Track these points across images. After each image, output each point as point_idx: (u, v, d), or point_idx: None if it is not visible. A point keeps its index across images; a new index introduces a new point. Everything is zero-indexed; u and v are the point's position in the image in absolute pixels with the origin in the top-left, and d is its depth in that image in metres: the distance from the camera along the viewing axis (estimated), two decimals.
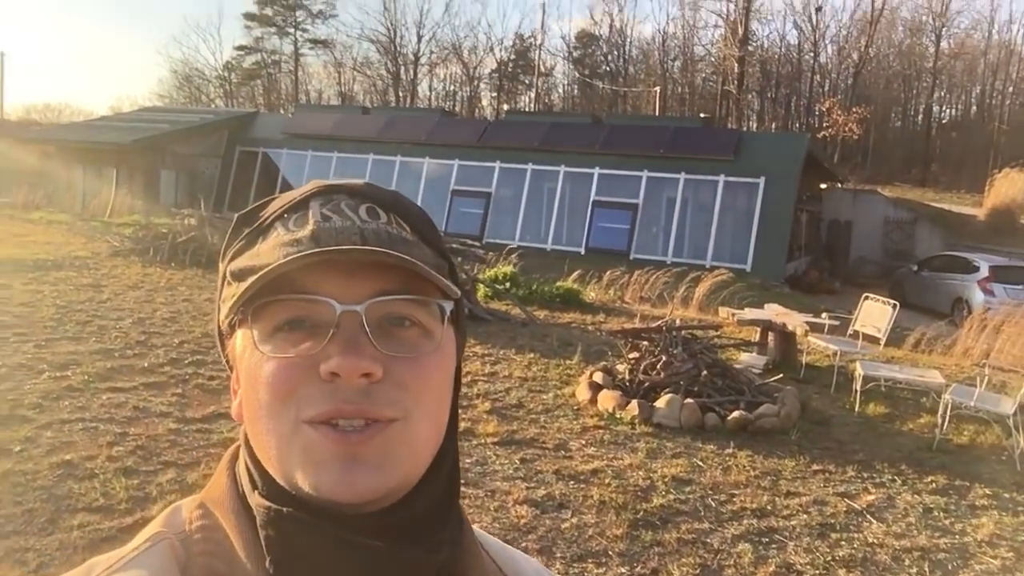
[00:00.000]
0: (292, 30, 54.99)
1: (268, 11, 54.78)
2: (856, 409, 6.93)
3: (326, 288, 0.61)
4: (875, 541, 4.32)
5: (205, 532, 0.63)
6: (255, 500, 0.63)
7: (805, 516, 4.57)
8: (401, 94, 51.76)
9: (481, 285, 10.69)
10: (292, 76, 55.92)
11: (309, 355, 0.60)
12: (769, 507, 4.66)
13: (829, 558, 4.07)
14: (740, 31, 41.69)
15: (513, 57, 53.72)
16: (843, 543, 4.26)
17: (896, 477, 5.34)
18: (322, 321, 0.60)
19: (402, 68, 52.54)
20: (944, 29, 44.85)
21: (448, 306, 0.65)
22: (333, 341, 0.60)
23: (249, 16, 54.92)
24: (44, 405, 5.34)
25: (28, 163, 27.95)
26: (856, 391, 7.07)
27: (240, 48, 56.17)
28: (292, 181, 23.16)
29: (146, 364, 6.45)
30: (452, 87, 55.90)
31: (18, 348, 6.62)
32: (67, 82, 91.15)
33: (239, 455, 0.68)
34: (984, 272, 15.77)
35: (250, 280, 0.60)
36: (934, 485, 5.24)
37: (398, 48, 52.17)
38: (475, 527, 0.76)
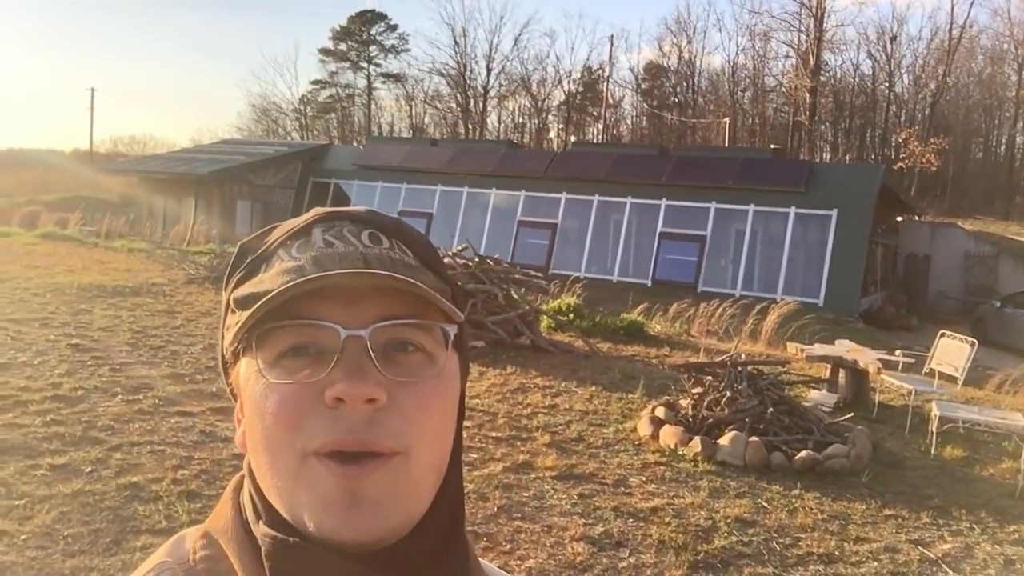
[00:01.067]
0: (366, 65, 56.48)
1: (343, 46, 56.44)
2: (932, 452, 6.64)
3: (330, 313, 0.61)
4: None
5: (209, 562, 0.64)
6: (260, 530, 0.62)
7: (875, 564, 4.37)
8: (470, 126, 52.48)
9: (544, 316, 10.66)
10: (365, 109, 57.32)
11: (314, 381, 0.60)
12: (837, 553, 4.48)
13: None
14: (812, 61, 41.09)
15: (581, 89, 54.00)
16: None
17: (975, 525, 5.07)
18: (326, 347, 0.60)
19: (471, 101, 53.34)
20: None
21: (451, 331, 0.65)
22: (338, 366, 0.59)
23: (324, 51, 56.70)
24: (115, 427, 5.50)
25: (113, 193, 29.27)
26: (932, 433, 6.77)
27: (315, 82, 57.96)
28: None
29: (214, 389, 6.59)
30: (521, 119, 56.49)
31: (95, 371, 6.85)
32: (152, 115, 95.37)
33: (243, 484, 0.68)
34: None
35: (254, 307, 0.61)
36: (1016, 535, 4.95)
37: (468, 81, 53.04)
38: (493, 562, 0.75)
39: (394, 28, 56.30)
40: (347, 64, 56.88)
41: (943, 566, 4.42)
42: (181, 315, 9.99)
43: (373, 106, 57.32)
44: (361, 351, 0.60)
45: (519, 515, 4.64)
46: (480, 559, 0.74)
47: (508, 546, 4.22)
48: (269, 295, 0.60)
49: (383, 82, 57.08)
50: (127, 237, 19.30)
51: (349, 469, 0.58)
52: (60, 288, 11.01)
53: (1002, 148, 46.87)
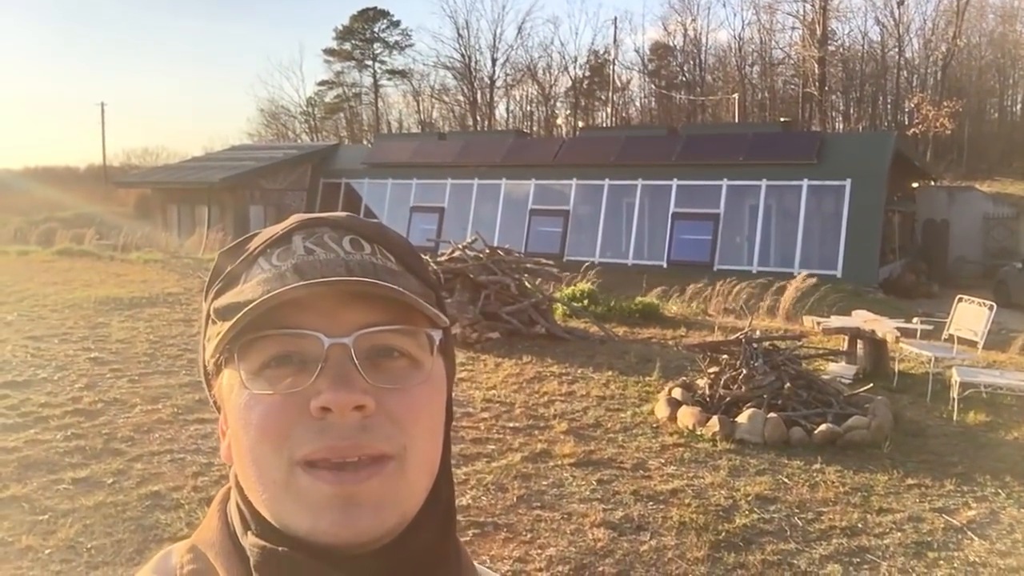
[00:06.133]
0: (371, 63, 56.43)
1: (347, 46, 56.41)
2: (954, 418, 6.57)
3: (313, 322, 0.60)
4: (977, 560, 4.06)
5: None
6: (248, 540, 0.62)
7: (899, 534, 4.34)
8: (479, 118, 52.37)
9: (558, 304, 10.64)
10: (373, 107, 57.32)
11: (298, 391, 0.59)
12: (860, 525, 4.44)
13: None
14: (819, 31, 40.63)
15: (588, 74, 53.70)
16: (941, 562, 4.02)
17: (1000, 490, 5.01)
18: (310, 356, 0.59)
19: (478, 92, 53.19)
20: None
21: (437, 335, 0.64)
22: (322, 375, 0.58)
23: (329, 51, 56.69)
24: (136, 438, 5.55)
25: (128, 206, 29.50)
26: (953, 399, 6.70)
27: (322, 83, 57.98)
28: (375, 209, 23.69)
29: None
30: (529, 108, 56.27)
31: (113, 384, 6.92)
32: (164, 126, 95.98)
33: (230, 496, 0.67)
34: None
35: (235, 317, 0.60)
36: None
37: (474, 73, 52.87)
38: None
39: (397, 24, 56.22)
40: (352, 63, 56.86)
41: (968, 533, 4.37)
42: (197, 323, 9.92)
43: (380, 103, 57.32)
44: (345, 359, 0.59)
45: (538, 504, 4.64)
46: (476, 564, 0.73)
47: (528, 535, 4.21)
48: (250, 305, 0.59)
49: (389, 79, 57.04)
50: (143, 249, 19.45)
51: (343, 475, 0.58)
52: (78, 303, 11.12)
53: (1017, 107, 46.17)
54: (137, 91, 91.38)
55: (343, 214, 0.69)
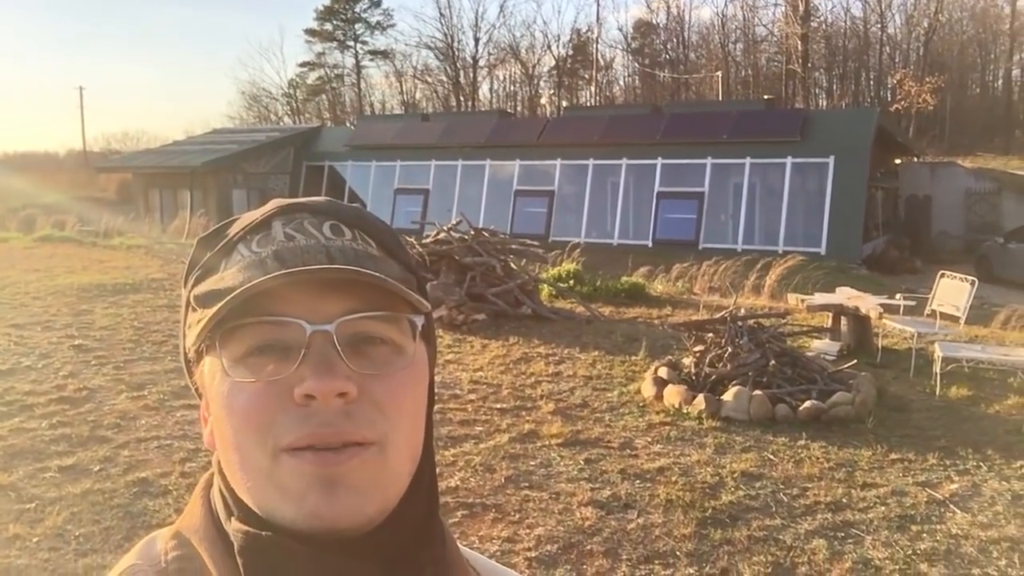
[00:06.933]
0: (352, 43, 55.92)
1: (328, 26, 55.85)
2: (937, 393, 6.64)
3: (294, 309, 0.59)
4: (959, 532, 4.11)
5: (181, 563, 0.62)
6: (232, 526, 0.62)
7: (883, 508, 4.39)
8: (462, 98, 52.09)
9: (544, 284, 10.64)
10: (355, 88, 56.87)
11: (281, 379, 0.59)
12: (844, 500, 4.49)
13: (910, 551, 3.90)
14: (801, 7, 40.58)
15: (571, 53, 53.50)
16: (925, 535, 4.07)
17: (982, 463, 5.08)
18: (292, 343, 0.59)
19: (461, 72, 52.91)
20: None
21: (419, 321, 0.64)
22: (305, 362, 0.58)
23: (310, 32, 56.12)
24: (122, 425, 5.53)
25: (109, 191, 29.22)
26: (936, 374, 6.77)
27: (303, 64, 57.43)
28: (358, 192, 23.56)
29: None
30: (512, 88, 56.04)
31: (98, 371, 6.88)
32: (144, 110, 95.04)
33: (213, 482, 0.67)
34: None
35: (216, 306, 0.59)
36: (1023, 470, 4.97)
37: (456, 53, 52.57)
38: (464, 546, 0.74)
39: (378, 4, 55.64)
40: (334, 44, 56.33)
41: (951, 506, 4.43)
42: (182, 309, 9.98)
43: (363, 84, 56.90)
44: (328, 346, 0.59)
45: (527, 484, 4.67)
46: (461, 545, 0.73)
47: (517, 516, 4.24)
48: (232, 293, 0.59)
49: (371, 59, 56.59)
50: (125, 234, 19.26)
51: (326, 456, 0.58)
52: (60, 290, 11.02)
53: (999, 83, 46.38)
54: (116, 76, 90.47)
55: (323, 199, 0.69)
